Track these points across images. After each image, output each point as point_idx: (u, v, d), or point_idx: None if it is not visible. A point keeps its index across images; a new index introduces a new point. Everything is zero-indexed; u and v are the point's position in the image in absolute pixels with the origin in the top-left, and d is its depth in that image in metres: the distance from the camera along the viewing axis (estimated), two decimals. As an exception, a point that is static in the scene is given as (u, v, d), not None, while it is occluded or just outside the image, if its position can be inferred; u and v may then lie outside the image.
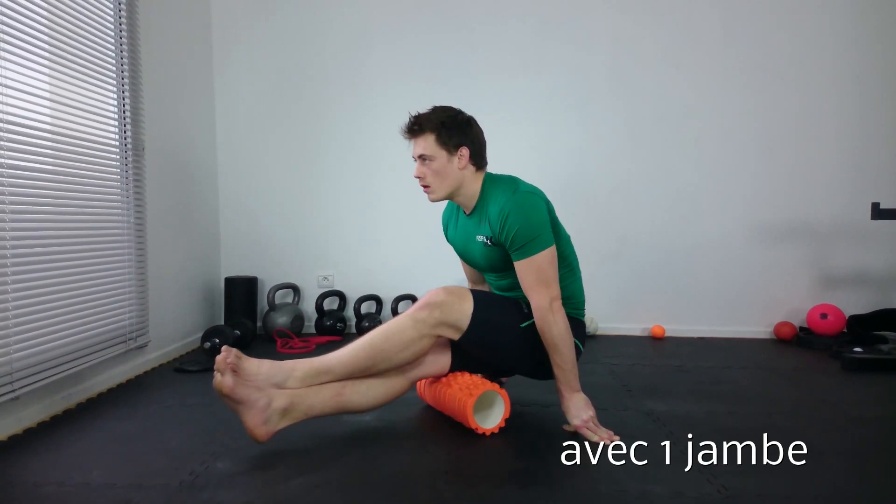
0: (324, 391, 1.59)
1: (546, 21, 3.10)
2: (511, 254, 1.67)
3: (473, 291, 1.69)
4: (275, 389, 1.53)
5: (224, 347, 1.52)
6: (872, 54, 3.02)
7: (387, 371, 1.66)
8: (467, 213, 1.82)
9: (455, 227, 1.91)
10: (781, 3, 3.04)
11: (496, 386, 1.72)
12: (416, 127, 1.71)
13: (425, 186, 1.75)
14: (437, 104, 1.77)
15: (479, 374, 1.81)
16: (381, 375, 1.66)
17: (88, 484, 1.36)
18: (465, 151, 1.71)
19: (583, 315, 1.87)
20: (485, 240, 1.73)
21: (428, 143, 1.70)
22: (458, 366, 1.79)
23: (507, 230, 1.64)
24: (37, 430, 1.71)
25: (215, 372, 1.45)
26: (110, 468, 1.44)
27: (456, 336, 1.66)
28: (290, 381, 1.56)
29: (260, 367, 1.54)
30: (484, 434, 1.66)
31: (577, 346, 1.75)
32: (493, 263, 1.78)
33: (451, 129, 1.70)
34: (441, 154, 1.70)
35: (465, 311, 1.64)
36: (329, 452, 1.55)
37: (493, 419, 1.71)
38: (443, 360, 1.77)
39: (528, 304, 1.71)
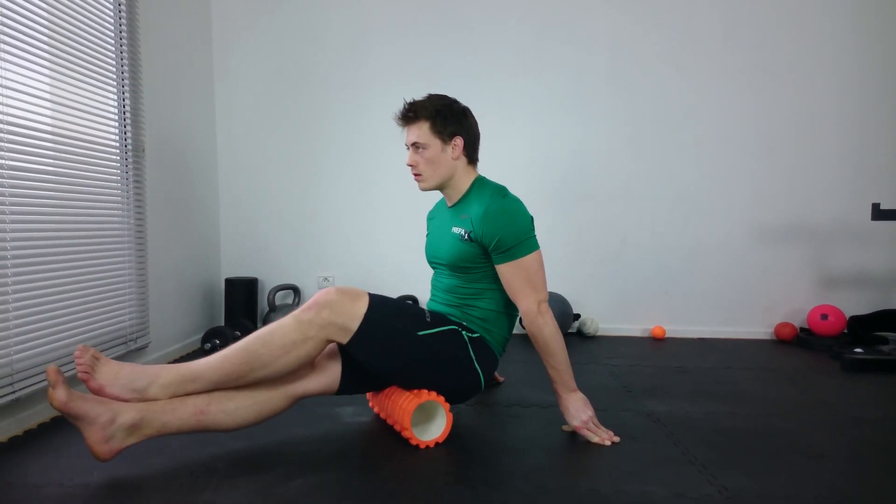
0: (184, 407, 1.42)
1: (546, 22, 3.10)
2: (495, 256, 1.65)
3: (371, 294, 1.57)
4: (120, 404, 1.37)
5: (79, 348, 1.36)
6: (872, 55, 3.02)
7: (265, 381, 1.49)
8: (449, 204, 1.81)
9: (439, 216, 1.89)
10: (781, 3, 3.04)
11: (440, 398, 1.62)
12: (411, 114, 1.69)
13: (417, 175, 1.73)
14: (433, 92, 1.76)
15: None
16: (256, 389, 1.49)
17: (88, 485, 1.36)
18: (459, 141, 1.70)
19: (497, 349, 1.76)
20: (462, 233, 1.69)
21: (422, 130, 1.68)
22: (348, 382, 1.61)
23: (493, 232, 1.62)
24: (37, 432, 1.72)
25: (49, 384, 1.30)
26: (110, 470, 1.44)
27: (345, 339, 1.50)
28: (153, 388, 1.40)
29: (119, 372, 1.39)
30: (419, 447, 1.59)
31: (478, 378, 1.67)
32: (458, 259, 1.71)
33: (446, 117, 1.69)
34: (435, 142, 1.68)
35: (356, 311, 1.50)
36: (329, 453, 1.55)
37: (433, 431, 1.63)
38: (331, 375, 1.59)
39: (432, 315, 1.66)
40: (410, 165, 1.73)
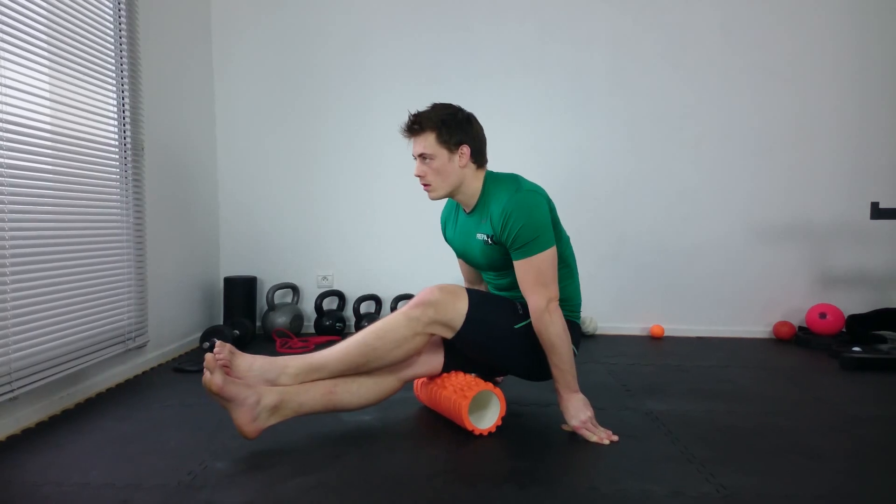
0: (315, 389, 1.59)
1: (546, 22, 3.10)
2: (511, 253, 1.67)
3: (468, 290, 1.68)
4: (266, 386, 1.53)
5: (218, 343, 1.54)
6: (872, 54, 3.02)
7: (379, 369, 1.66)
8: (468, 211, 1.81)
9: (454, 226, 1.90)
10: (780, 3, 3.04)
11: (491, 385, 1.71)
12: (416, 126, 1.70)
13: (426, 185, 1.74)
14: (437, 102, 1.75)
15: (472, 374, 1.80)
16: (372, 374, 1.66)
17: (87, 484, 1.36)
18: (465, 150, 1.71)
19: (578, 318, 1.86)
20: (485, 238, 1.72)
21: (428, 141, 1.69)
22: (451, 366, 1.78)
23: (508, 229, 1.63)
24: (35, 431, 1.71)
25: (205, 370, 1.45)
26: (109, 468, 1.44)
27: (449, 335, 1.65)
28: (283, 377, 1.57)
29: (253, 364, 1.56)
30: (481, 434, 1.66)
31: (572, 349, 1.73)
32: (492, 262, 1.77)
33: (451, 127, 1.69)
34: (441, 153, 1.69)
35: (459, 309, 1.63)
36: (327, 452, 1.55)
37: (488, 419, 1.70)
38: (436, 360, 1.76)
39: (523, 305, 1.70)
40: (419, 176, 1.73)
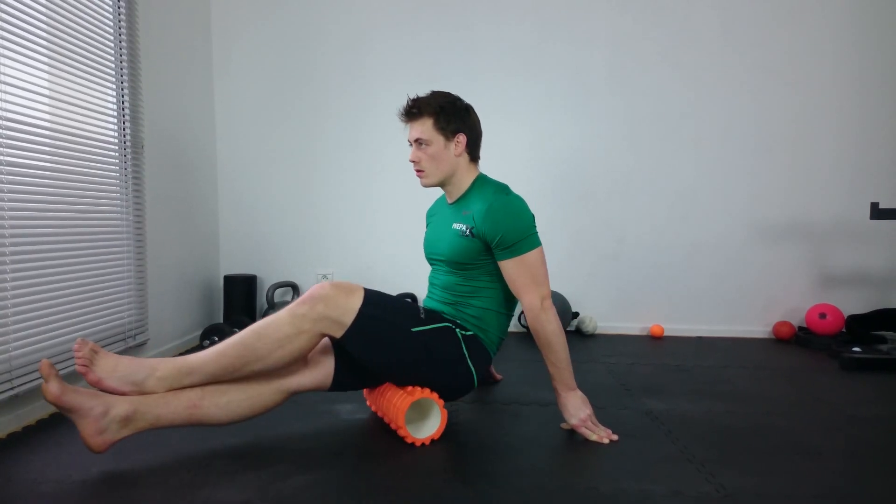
0: (177, 400, 1.44)
1: (546, 21, 3.10)
2: (498, 253, 1.65)
3: (367, 290, 1.57)
4: (114, 397, 1.39)
5: (78, 340, 1.38)
6: (872, 54, 3.02)
7: (259, 374, 1.51)
8: (450, 201, 1.81)
9: (439, 212, 1.90)
10: (780, 2, 3.04)
11: (434, 395, 1.62)
12: (415, 110, 1.70)
13: (419, 171, 1.74)
14: (436, 89, 1.75)
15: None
16: (248, 384, 1.51)
17: (87, 481, 1.36)
18: (461, 138, 1.71)
19: (491, 348, 1.76)
20: (464, 228, 1.69)
21: (425, 127, 1.69)
22: (342, 378, 1.62)
23: (497, 228, 1.62)
24: (36, 428, 1.72)
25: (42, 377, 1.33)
26: (109, 466, 1.44)
27: (338, 333, 1.51)
28: (150, 380, 1.42)
29: (118, 364, 1.41)
30: (414, 444, 1.58)
31: (470, 375, 1.67)
32: (457, 255, 1.71)
33: (449, 114, 1.69)
34: (438, 139, 1.69)
35: (350, 305, 1.51)
36: (327, 451, 1.55)
37: (427, 429, 1.62)
38: (323, 370, 1.59)
39: (426, 312, 1.67)
40: (413, 161, 1.73)
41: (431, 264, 1.90)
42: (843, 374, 2.37)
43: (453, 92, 1.78)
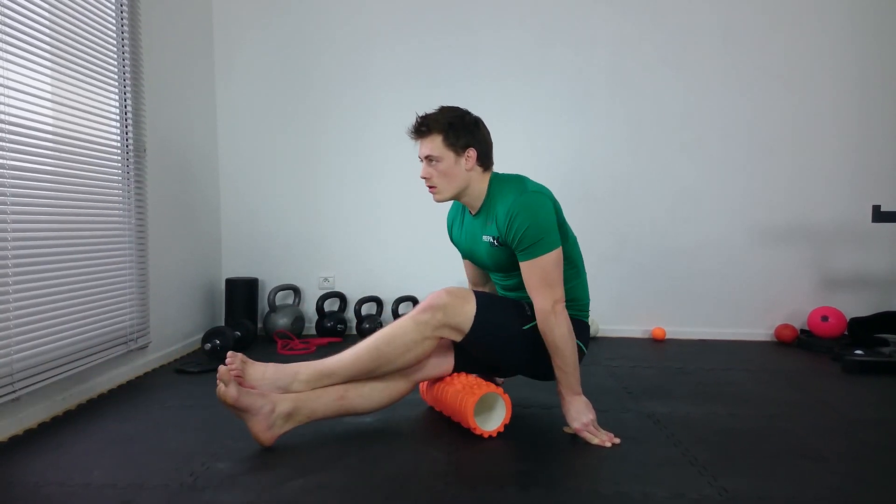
0: (326, 394, 1.61)
1: (547, 24, 3.10)
2: (517, 254, 1.66)
3: (476, 293, 1.69)
4: (278, 394, 1.56)
5: (229, 354, 1.55)
6: (872, 56, 3.02)
7: (390, 373, 1.67)
8: (473, 213, 1.81)
9: (461, 228, 1.90)
10: (781, 5, 3.04)
11: (499, 389, 1.72)
12: (424, 128, 1.70)
13: (431, 188, 1.74)
14: (444, 104, 1.75)
15: (475, 375, 1.80)
16: (383, 378, 1.67)
17: (89, 484, 1.36)
18: (472, 153, 1.71)
19: (587, 317, 1.85)
20: (491, 240, 1.72)
21: (435, 144, 1.69)
22: (461, 367, 1.79)
23: (514, 230, 1.63)
24: (37, 431, 1.72)
25: (219, 382, 1.47)
26: (111, 469, 1.44)
27: (458, 338, 1.66)
28: (295, 384, 1.59)
29: (265, 372, 1.58)
30: (482, 436, 1.66)
31: (580, 348, 1.75)
32: (499, 263, 1.76)
33: (458, 130, 1.69)
34: (448, 155, 1.69)
35: (467, 312, 1.63)
36: (329, 454, 1.55)
37: (493, 422, 1.70)
38: (446, 363, 1.76)
39: (531, 306, 1.70)
40: (425, 178, 1.73)
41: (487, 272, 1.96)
42: (846, 377, 2.37)
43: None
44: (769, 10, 3.04)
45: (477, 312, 1.64)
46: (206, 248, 3.04)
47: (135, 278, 2.29)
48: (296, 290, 3.15)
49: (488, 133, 1.77)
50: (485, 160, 1.75)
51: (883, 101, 3.02)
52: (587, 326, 1.85)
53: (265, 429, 1.53)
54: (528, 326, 1.70)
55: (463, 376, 1.77)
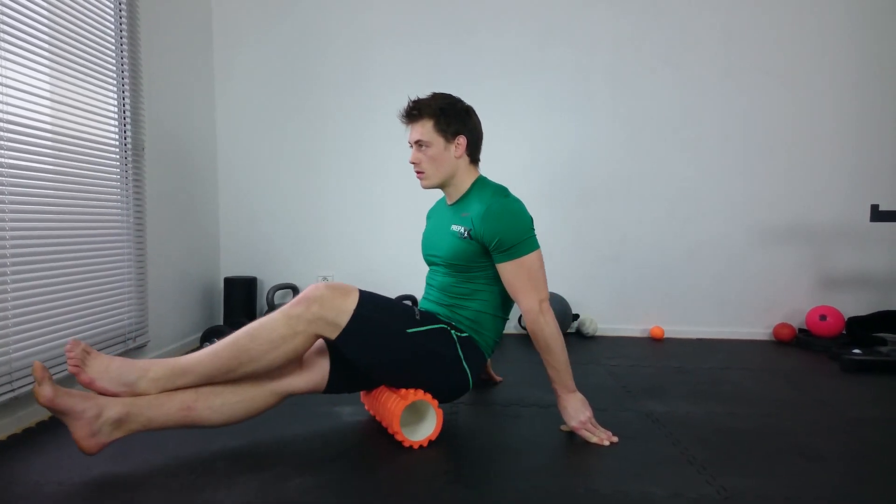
0: (170, 402, 1.42)
1: (547, 24, 3.10)
2: (497, 255, 1.65)
3: (362, 291, 1.57)
4: (107, 398, 1.38)
5: (70, 342, 1.37)
6: (871, 56, 3.02)
7: (253, 376, 1.50)
8: (449, 202, 1.81)
9: (437, 213, 1.90)
10: (780, 5, 3.04)
11: (428, 396, 1.62)
12: (415, 112, 1.70)
13: (419, 173, 1.74)
14: (437, 91, 1.75)
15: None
16: (241, 386, 1.50)
17: (88, 483, 1.36)
18: (462, 140, 1.71)
19: (486, 349, 1.75)
20: (462, 231, 1.69)
21: (426, 128, 1.69)
22: (337, 380, 1.61)
23: (495, 231, 1.62)
24: (36, 430, 1.72)
25: (35, 379, 1.32)
26: (110, 468, 1.44)
27: (333, 334, 1.50)
28: (142, 381, 1.41)
29: (110, 365, 1.40)
30: (413, 447, 1.58)
31: (466, 377, 1.67)
32: (455, 257, 1.71)
33: (449, 116, 1.69)
34: (438, 140, 1.69)
35: (345, 306, 1.50)
36: (328, 453, 1.55)
37: (424, 430, 1.62)
38: (318, 372, 1.59)
39: (421, 313, 1.66)
40: (413, 163, 1.73)
41: (429, 265, 1.89)
42: (844, 376, 2.37)
43: (456, 93, 1.78)
44: (768, 10, 3.04)
45: (357, 306, 1.51)
46: (204, 246, 3.04)
47: (133, 277, 2.29)
48: (294, 289, 3.15)
49: (479, 123, 1.78)
50: (474, 150, 1.75)
51: (882, 99, 3.03)
52: (482, 357, 1.74)
53: (87, 435, 1.34)
54: (413, 330, 1.60)
55: (394, 390, 1.65)
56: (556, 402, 1.71)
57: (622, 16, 3.09)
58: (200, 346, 2.58)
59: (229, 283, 3.01)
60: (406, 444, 1.58)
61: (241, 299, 3.00)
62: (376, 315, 1.55)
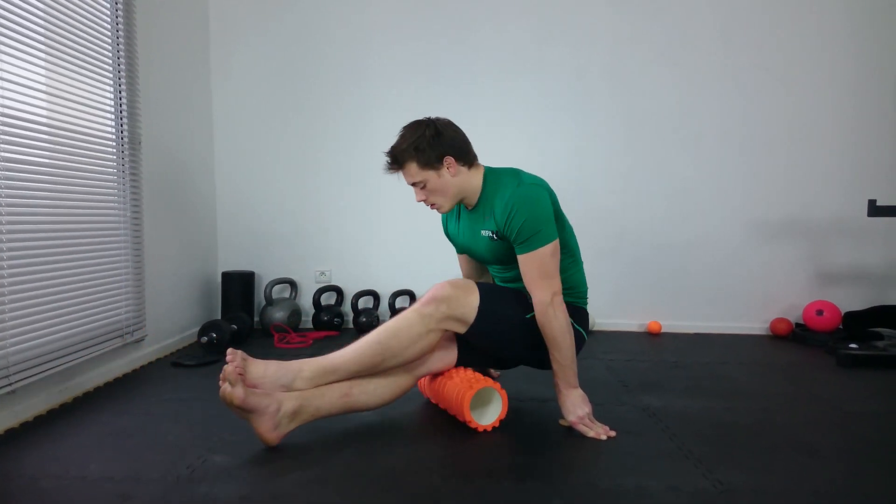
0: (331, 392, 1.59)
1: (545, 21, 3.09)
2: (515, 247, 1.67)
3: (478, 284, 1.68)
4: (282, 392, 1.53)
5: (230, 351, 1.51)
6: (869, 52, 3.02)
7: (394, 368, 1.65)
8: (469, 208, 1.81)
9: (457, 223, 1.89)
10: (779, 3, 3.03)
11: (496, 384, 1.72)
12: (395, 164, 1.71)
13: (432, 206, 1.77)
14: (404, 125, 1.73)
15: (471, 369, 1.81)
16: (387, 373, 1.65)
17: (86, 478, 1.36)
18: (449, 160, 1.69)
19: (585, 304, 1.87)
20: (490, 234, 1.72)
21: (412, 171, 1.69)
22: (464, 360, 1.78)
23: (512, 223, 1.64)
24: (33, 424, 1.71)
25: (223, 383, 1.44)
26: (107, 462, 1.44)
27: (462, 329, 1.65)
28: (298, 381, 1.56)
29: (266, 370, 1.55)
30: (477, 430, 1.67)
31: (581, 334, 1.77)
32: (499, 257, 1.77)
33: (425, 149, 1.66)
34: (430, 174, 1.69)
35: (471, 304, 1.63)
36: (326, 447, 1.55)
37: (489, 416, 1.71)
38: (449, 356, 1.75)
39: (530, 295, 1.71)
40: (422, 201, 1.76)
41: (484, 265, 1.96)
42: (840, 371, 2.38)
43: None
44: (767, 8, 3.04)
45: (480, 303, 1.64)
46: (202, 241, 3.04)
47: (130, 271, 2.29)
48: (292, 284, 3.14)
49: (456, 130, 1.73)
50: (465, 158, 1.72)
51: (879, 96, 3.03)
52: (587, 314, 1.87)
53: (271, 428, 1.50)
54: (530, 315, 1.70)
55: (462, 371, 1.77)
56: (554, 397, 1.71)
57: (621, 14, 3.08)
58: (198, 341, 2.58)
59: (227, 277, 3.00)
60: (472, 427, 1.66)
61: (239, 294, 3.00)
62: (497, 307, 1.68)
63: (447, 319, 1.62)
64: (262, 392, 1.50)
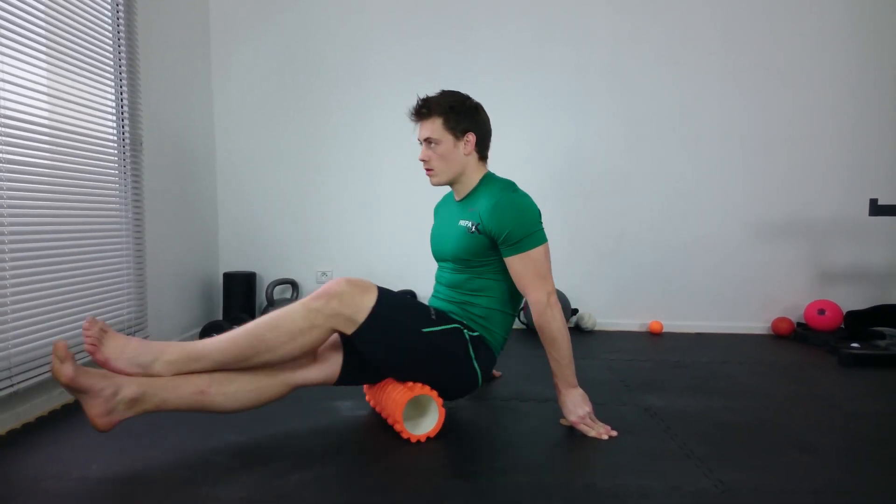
0: (186, 385, 1.43)
1: (545, 21, 3.09)
2: (504, 249, 1.66)
3: (381, 289, 1.57)
4: (123, 378, 1.38)
5: (88, 319, 1.38)
6: (869, 52, 3.02)
7: (267, 365, 1.51)
8: (458, 198, 1.82)
9: (445, 209, 1.90)
10: (779, 2, 3.03)
11: (433, 392, 1.62)
12: (425, 110, 1.71)
13: (429, 170, 1.75)
14: (446, 88, 1.76)
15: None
16: (255, 375, 1.51)
17: (87, 478, 1.36)
18: (471, 137, 1.72)
19: (496, 348, 1.76)
20: (470, 225, 1.70)
21: (435, 126, 1.70)
22: (348, 374, 1.63)
23: (503, 224, 1.63)
24: (35, 425, 1.72)
25: (53, 357, 1.31)
26: (109, 463, 1.44)
27: (350, 330, 1.52)
28: (157, 364, 1.41)
29: (125, 347, 1.40)
30: (420, 441, 1.58)
31: (475, 374, 1.68)
32: (463, 252, 1.72)
33: (459, 113, 1.70)
34: (448, 138, 1.70)
35: (364, 303, 1.51)
36: (327, 447, 1.55)
37: (426, 425, 1.62)
38: (331, 367, 1.60)
39: (436, 312, 1.66)
40: (423, 160, 1.74)
41: (438, 261, 1.90)
42: (842, 371, 2.38)
43: (454, 89, 1.78)
44: (767, 8, 3.04)
45: (375, 304, 1.52)
46: (203, 241, 3.04)
47: (132, 272, 2.29)
48: (293, 284, 3.15)
49: (488, 120, 1.79)
50: (482, 147, 1.76)
51: (879, 94, 3.02)
52: (491, 352, 1.75)
53: (103, 413, 1.34)
54: (429, 329, 1.60)
55: (398, 383, 1.65)
56: (555, 397, 1.71)
57: (621, 13, 3.08)
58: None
59: (228, 277, 3.01)
60: (405, 437, 1.58)
61: (241, 294, 3.00)
62: (394, 314, 1.56)
63: (335, 317, 1.49)
64: (97, 373, 1.35)
